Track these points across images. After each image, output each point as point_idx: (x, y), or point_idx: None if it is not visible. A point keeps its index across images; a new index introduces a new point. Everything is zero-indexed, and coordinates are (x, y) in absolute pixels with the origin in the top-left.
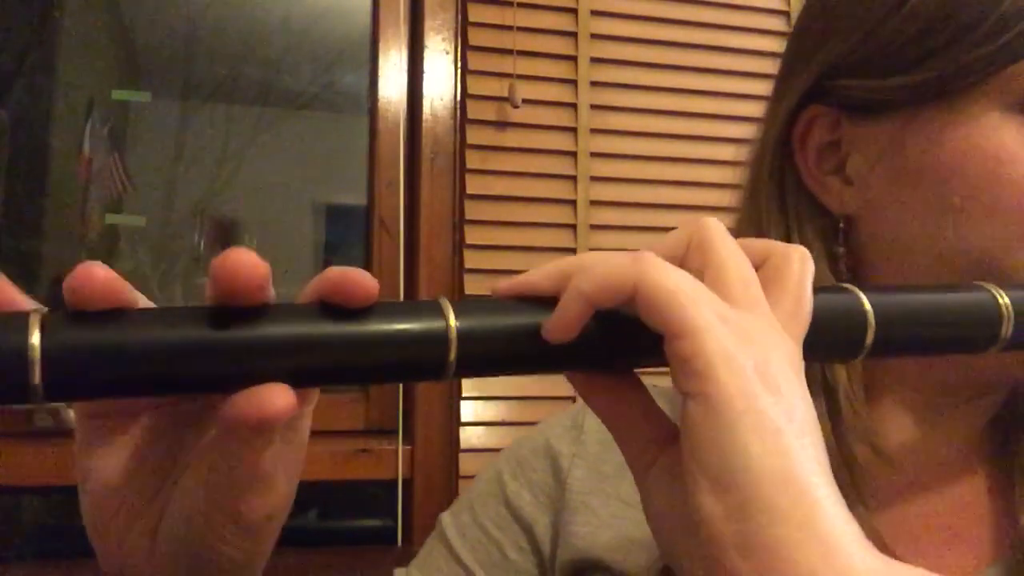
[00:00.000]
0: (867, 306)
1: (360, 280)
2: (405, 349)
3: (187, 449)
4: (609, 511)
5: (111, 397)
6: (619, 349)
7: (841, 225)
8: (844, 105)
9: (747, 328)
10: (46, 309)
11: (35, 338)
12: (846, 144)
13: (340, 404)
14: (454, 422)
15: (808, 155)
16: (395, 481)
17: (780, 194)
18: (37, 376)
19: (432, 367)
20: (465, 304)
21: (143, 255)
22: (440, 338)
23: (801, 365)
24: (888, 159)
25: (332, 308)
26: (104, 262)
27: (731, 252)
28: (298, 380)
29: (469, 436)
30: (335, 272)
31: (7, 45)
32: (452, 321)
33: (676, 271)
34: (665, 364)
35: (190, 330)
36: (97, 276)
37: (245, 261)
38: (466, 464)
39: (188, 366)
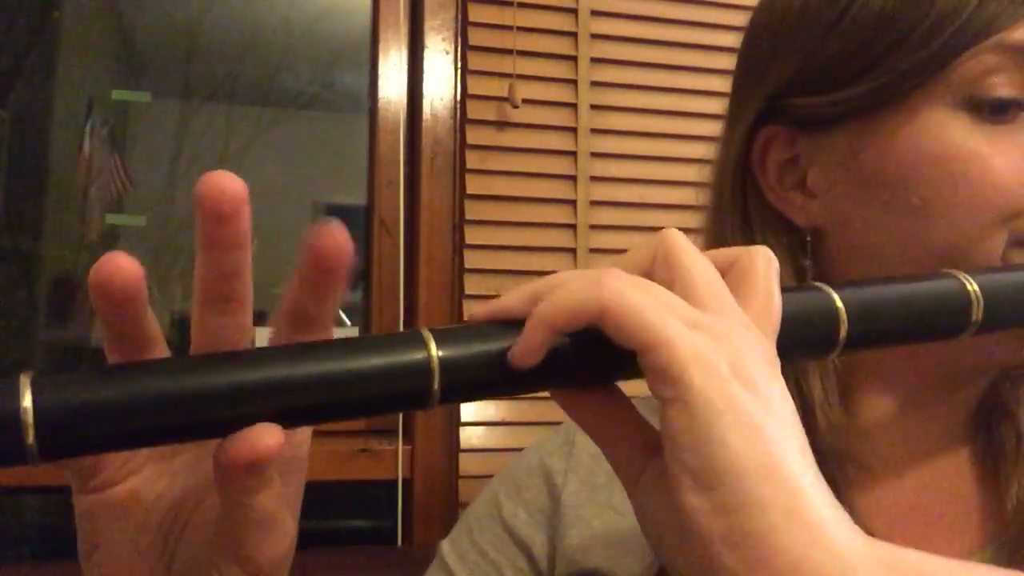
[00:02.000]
0: (838, 302)
1: (337, 239)
2: (389, 382)
3: (193, 495)
4: (602, 520)
5: (106, 451)
6: (599, 364)
7: (808, 238)
8: (797, 122)
9: (719, 330)
10: (34, 371)
11: (27, 401)
12: (804, 159)
13: None
14: (454, 422)
15: (768, 174)
16: (395, 481)
17: (744, 214)
18: (31, 438)
19: (417, 397)
20: (445, 333)
21: (143, 255)
22: (423, 369)
23: (776, 360)
24: (846, 169)
25: (317, 346)
26: None
27: (696, 259)
28: (286, 420)
29: (469, 436)
30: (316, 236)
31: (7, 45)
32: (434, 351)
33: (639, 286)
34: (643, 375)
35: (177, 380)
36: (124, 266)
37: (227, 185)
38: (466, 464)
39: (178, 415)
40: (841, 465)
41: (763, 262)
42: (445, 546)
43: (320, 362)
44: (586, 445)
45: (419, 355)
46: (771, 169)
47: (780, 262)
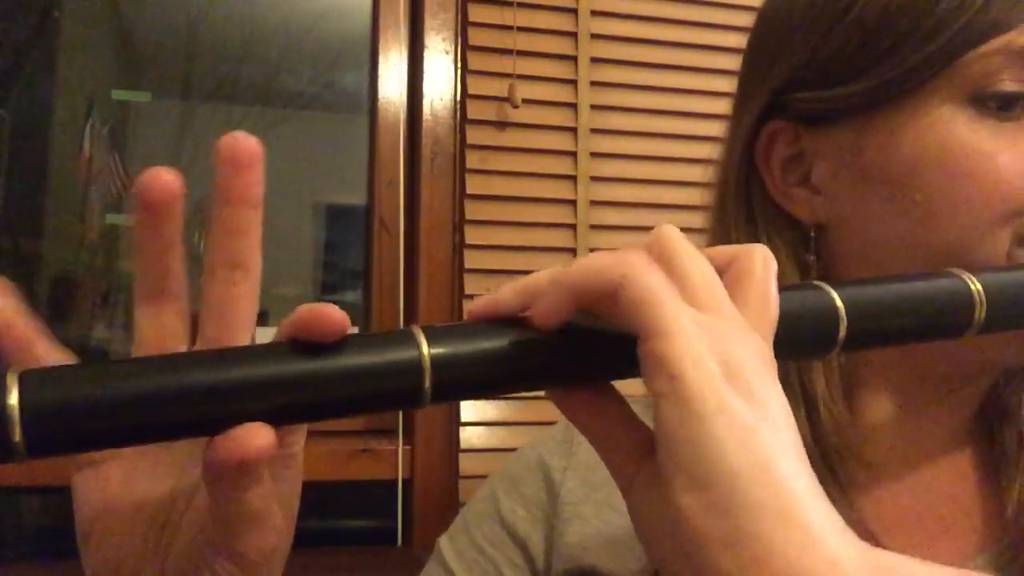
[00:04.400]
0: (837, 300)
1: (330, 315)
2: (380, 381)
3: (185, 490)
4: (600, 519)
5: (94, 449)
6: (593, 362)
7: (812, 234)
8: (801, 117)
9: (716, 330)
10: (23, 369)
11: (13, 398)
12: (808, 154)
13: None
14: (454, 422)
15: (773, 169)
16: (395, 481)
17: (748, 210)
18: (18, 435)
19: (408, 396)
20: (436, 331)
21: None
22: (414, 367)
23: (772, 362)
24: (849, 165)
25: (305, 345)
26: (104, 262)
27: (693, 258)
28: (277, 419)
29: (469, 436)
30: (305, 309)
31: (7, 45)
32: (425, 350)
33: (658, 273)
34: (638, 374)
35: (165, 377)
36: (163, 178)
37: (244, 142)
38: (466, 464)
39: (166, 413)
40: (843, 461)
41: (761, 261)
42: (443, 542)
43: (312, 360)
44: (585, 443)
45: (410, 353)
46: (775, 164)
47: (784, 258)
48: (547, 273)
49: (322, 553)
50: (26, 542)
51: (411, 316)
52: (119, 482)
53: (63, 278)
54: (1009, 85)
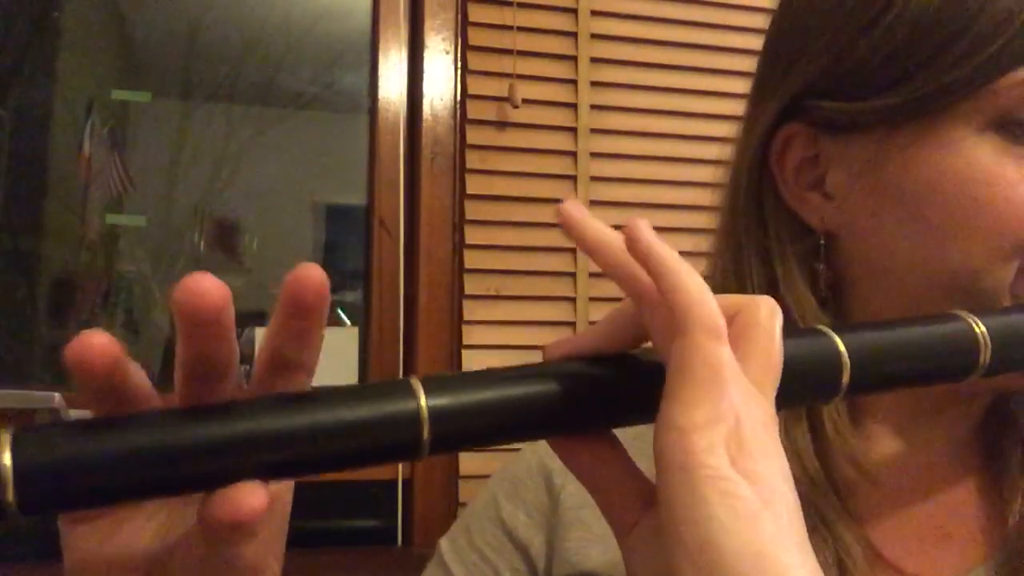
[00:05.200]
0: (841, 347)
1: (312, 280)
2: (378, 434)
3: (176, 540)
4: (602, 525)
5: (88, 508)
6: (595, 412)
7: (822, 242)
8: (820, 123)
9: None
10: (15, 429)
11: (6, 459)
12: (824, 160)
13: None
14: None
15: (787, 172)
16: (395, 481)
17: (759, 214)
18: (11, 496)
19: (407, 448)
20: (433, 382)
21: (143, 255)
22: (412, 419)
23: (775, 425)
24: (867, 176)
25: (302, 396)
26: (104, 262)
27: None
28: (273, 473)
29: None
30: (291, 279)
31: (7, 45)
32: (423, 401)
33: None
34: (642, 421)
35: (158, 436)
36: (96, 344)
37: (208, 287)
38: (466, 464)
39: (159, 472)
40: (846, 476)
41: (766, 314)
42: (444, 544)
43: (306, 414)
44: None
45: (408, 405)
46: (789, 167)
47: (794, 265)
48: (621, 317)
49: (322, 553)
50: (26, 542)
51: (410, 316)
52: (111, 531)
53: (63, 278)
54: None
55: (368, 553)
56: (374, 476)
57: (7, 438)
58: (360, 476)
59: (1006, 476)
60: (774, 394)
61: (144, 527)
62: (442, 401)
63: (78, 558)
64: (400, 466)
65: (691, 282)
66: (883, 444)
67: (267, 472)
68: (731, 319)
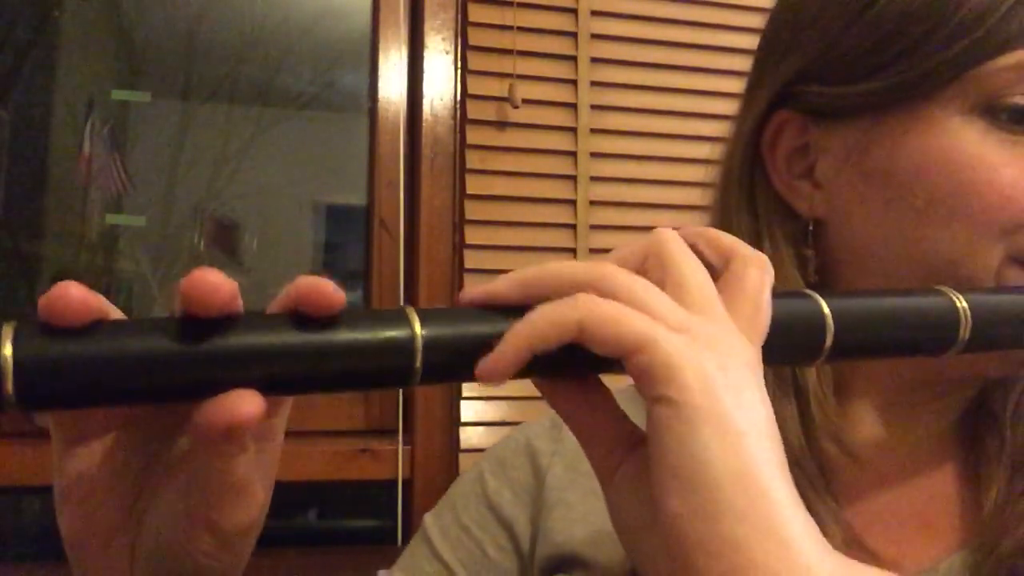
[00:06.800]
0: (826, 310)
1: (328, 291)
2: (373, 357)
3: (163, 462)
4: (585, 506)
5: (84, 407)
6: (582, 356)
7: (810, 228)
8: (811, 110)
9: (706, 334)
10: (18, 323)
11: (7, 349)
12: (814, 148)
13: (340, 404)
14: (454, 422)
15: (778, 159)
16: (395, 481)
17: (750, 197)
18: (10, 386)
19: (399, 374)
20: (430, 313)
21: (143, 255)
22: (406, 346)
23: (760, 369)
24: (854, 163)
25: (300, 318)
26: (104, 262)
27: (688, 262)
28: (267, 389)
29: (469, 436)
30: (304, 281)
31: (7, 45)
32: (418, 329)
33: (623, 287)
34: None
35: (160, 341)
36: (72, 294)
37: (212, 280)
38: (466, 464)
39: (158, 376)
40: (829, 454)
41: (757, 270)
42: (428, 519)
43: (305, 333)
44: None
45: (403, 332)
46: (781, 155)
47: (783, 249)
48: (536, 276)
49: (322, 553)
50: (26, 542)
51: None
52: (102, 453)
53: (63, 278)
54: (1022, 99)
55: (368, 553)
56: (374, 476)
57: (9, 331)
58: (360, 476)
59: (984, 466)
60: (760, 345)
61: (137, 450)
62: (436, 331)
63: (71, 479)
64: (400, 466)
65: (526, 329)
66: (867, 426)
67: (262, 386)
68: (723, 265)
